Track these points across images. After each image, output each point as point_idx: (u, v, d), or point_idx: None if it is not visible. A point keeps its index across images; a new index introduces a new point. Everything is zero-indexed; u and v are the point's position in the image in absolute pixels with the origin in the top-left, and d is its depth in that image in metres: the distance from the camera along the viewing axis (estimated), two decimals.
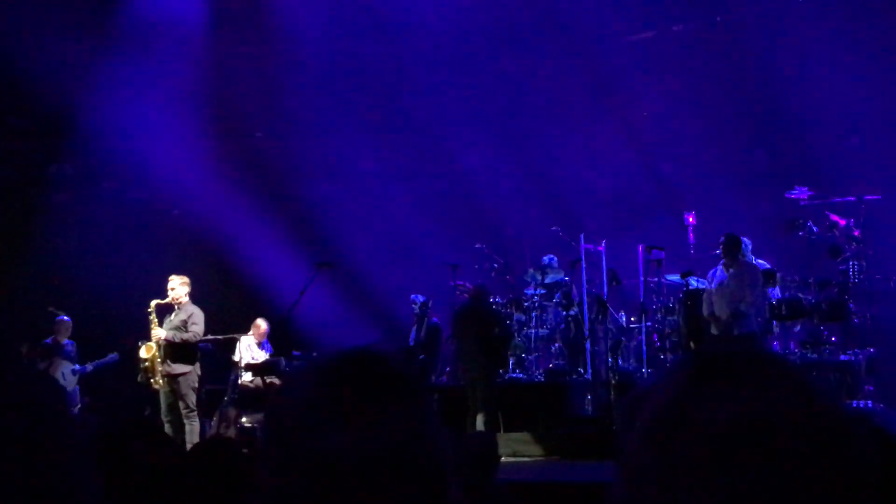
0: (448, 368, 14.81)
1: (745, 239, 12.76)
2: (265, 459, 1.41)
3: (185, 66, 16.91)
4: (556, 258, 14.88)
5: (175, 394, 12.03)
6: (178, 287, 12.22)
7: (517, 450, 12.16)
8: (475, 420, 12.14)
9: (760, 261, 13.15)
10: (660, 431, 1.17)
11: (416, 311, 15.04)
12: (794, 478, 1.12)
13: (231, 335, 14.31)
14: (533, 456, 12.10)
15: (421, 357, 14.75)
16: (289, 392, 1.45)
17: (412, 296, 15.15)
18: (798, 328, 13.17)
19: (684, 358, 1.27)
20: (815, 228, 13.27)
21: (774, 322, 12.86)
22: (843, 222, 13.20)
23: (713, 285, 12.16)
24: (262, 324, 14.83)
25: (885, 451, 3.04)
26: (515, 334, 14.20)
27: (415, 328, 15.17)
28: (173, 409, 12.07)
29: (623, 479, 1.21)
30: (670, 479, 1.15)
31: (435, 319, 15.20)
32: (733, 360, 1.21)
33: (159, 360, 12.08)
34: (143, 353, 12.17)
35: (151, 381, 12.16)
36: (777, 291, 12.94)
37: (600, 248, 14.30)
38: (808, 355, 12.62)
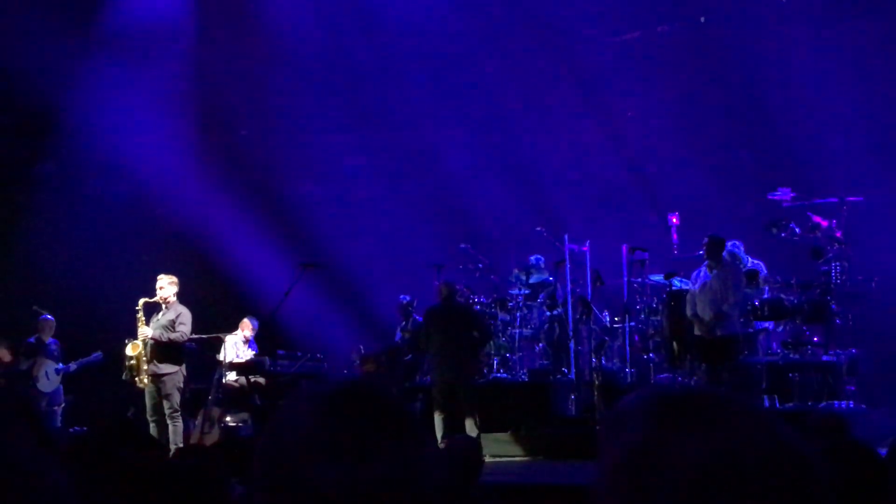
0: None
1: (736, 241, 12.82)
2: (258, 487, 1.42)
3: (170, 64, 16.90)
4: (542, 258, 14.92)
5: (159, 393, 12.00)
6: (167, 286, 12.18)
7: (499, 450, 12.18)
8: (443, 423, 12.05)
9: (757, 261, 13.21)
10: (630, 473, 1.19)
11: (402, 310, 15.08)
12: None
13: (215, 334, 14.29)
14: (516, 456, 12.13)
15: (408, 357, 14.78)
16: (285, 421, 1.45)
17: (400, 297, 15.18)
18: (780, 329, 13.24)
19: (648, 397, 1.28)
20: (797, 230, 13.32)
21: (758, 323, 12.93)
22: (825, 224, 13.24)
23: (696, 286, 12.21)
24: (250, 323, 14.84)
25: (859, 461, 3.08)
26: (499, 334, 14.22)
27: (400, 328, 15.20)
28: (158, 409, 12.03)
29: None
30: None
31: (418, 319, 15.22)
32: (697, 401, 1.23)
33: (145, 358, 12.04)
34: (130, 351, 12.13)
35: (136, 379, 12.12)
36: (762, 291, 12.98)
37: (584, 249, 14.32)
38: (790, 356, 12.69)
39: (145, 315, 12.20)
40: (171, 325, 12.06)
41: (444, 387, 12.28)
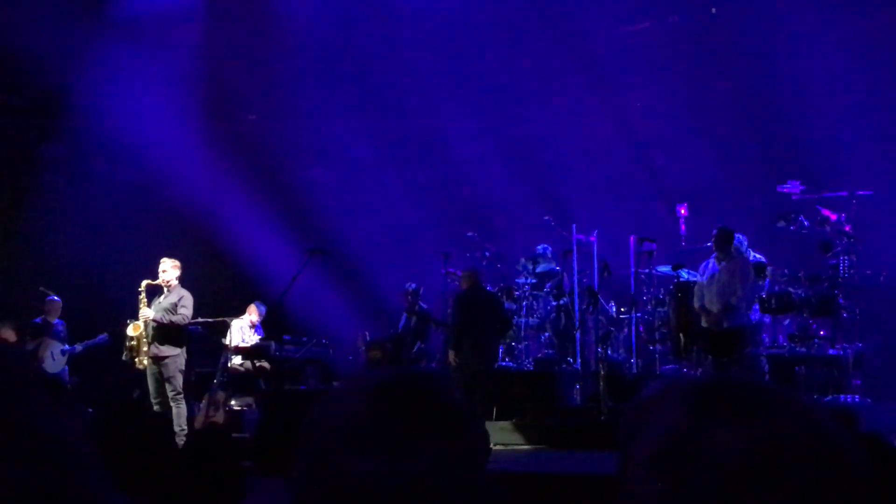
0: (438, 356, 14.80)
1: (739, 235, 12.79)
2: (296, 473, 1.40)
3: (179, 48, 16.88)
4: (550, 248, 14.90)
5: (162, 376, 12.01)
6: (170, 270, 12.20)
7: (504, 439, 12.18)
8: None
9: (757, 255, 13.18)
10: (664, 464, 1.16)
11: (408, 298, 15.08)
12: None
13: (221, 318, 14.31)
14: (521, 445, 12.12)
15: (419, 345, 14.79)
16: (329, 408, 1.42)
17: (406, 284, 15.18)
18: (787, 322, 13.22)
19: (682, 386, 1.26)
20: (806, 223, 13.29)
21: (765, 316, 12.91)
22: (834, 217, 13.21)
23: (704, 278, 12.18)
24: (256, 307, 14.85)
25: (873, 452, 3.06)
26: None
27: (404, 315, 15.19)
28: (160, 392, 12.05)
29: None
30: None
31: (423, 306, 15.22)
32: (735, 391, 1.21)
33: (146, 340, 12.06)
34: (130, 331, 12.15)
35: (136, 360, 12.14)
36: (766, 284, 12.97)
37: (592, 239, 14.30)
38: (797, 349, 12.67)
39: (148, 297, 12.21)
40: (173, 308, 12.07)
41: (467, 372, 12.26)
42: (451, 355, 12.37)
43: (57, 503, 1.23)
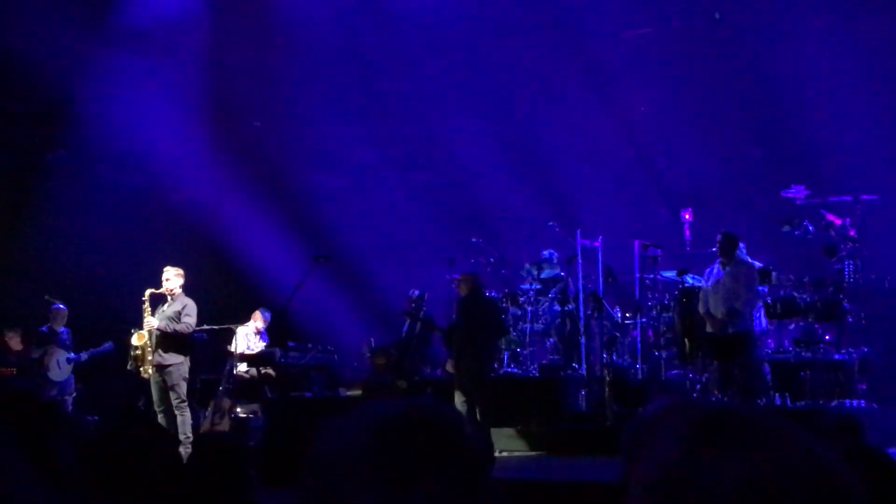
0: (443, 362, 14.80)
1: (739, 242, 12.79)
2: (301, 499, 1.39)
3: (183, 55, 16.90)
4: (556, 253, 14.88)
5: (166, 384, 12.03)
6: (173, 278, 12.22)
7: (509, 446, 12.18)
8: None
9: (758, 263, 13.16)
10: (662, 491, 1.17)
11: (412, 305, 15.06)
12: None
13: (226, 325, 14.31)
14: (526, 452, 12.12)
15: (426, 350, 14.78)
16: (337, 436, 1.40)
17: (410, 291, 15.17)
18: (792, 326, 13.20)
19: (683, 413, 1.25)
20: (811, 228, 13.28)
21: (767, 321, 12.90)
22: (839, 222, 13.21)
23: (709, 283, 12.17)
24: (261, 314, 14.86)
25: (873, 467, 3.05)
26: (510, 329, 14.17)
27: (408, 322, 15.16)
28: (164, 400, 12.06)
29: None
30: None
31: (427, 311, 15.21)
32: (734, 421, 1.21)
33: (150, 348, 12.08)
34: (135, 340, 12.18)
35: (141, 369, 12.16)
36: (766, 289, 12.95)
37: (597, 244, 14.30)
38: (802, 354, 12.65)
39: (152, 306, 12.24)
40: (177, 317, 12.09)
41: (469, 379, 12.15)
42: (450, 364, 12.30)
43: None
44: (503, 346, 14.00)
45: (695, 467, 1.16)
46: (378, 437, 1.37)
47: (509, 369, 14.03)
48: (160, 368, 12.02)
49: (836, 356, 12.47)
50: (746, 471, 1.14)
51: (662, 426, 1.23)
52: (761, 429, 1.20)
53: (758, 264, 13.00)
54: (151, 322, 12.08)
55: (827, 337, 12.83)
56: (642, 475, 1.20)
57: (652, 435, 1.23)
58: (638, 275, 13.98)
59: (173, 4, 16.47)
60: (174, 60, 16.74)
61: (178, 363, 12.08)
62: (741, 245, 12.75)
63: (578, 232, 14.37)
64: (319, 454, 1.40)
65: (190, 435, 11.64)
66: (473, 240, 15.31)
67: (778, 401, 12.04)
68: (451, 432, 1.41)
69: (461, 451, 1.40)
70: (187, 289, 12.40)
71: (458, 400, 11.69)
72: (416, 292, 15.10)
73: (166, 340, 12.05)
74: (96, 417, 14.17)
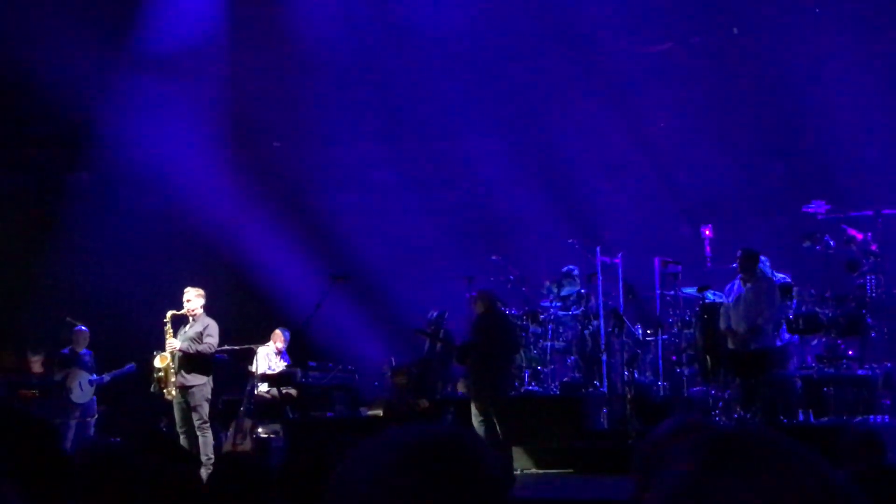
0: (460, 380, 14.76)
1: (763, 257, 12.73)
2: None
3: (203, 76, 17.01)
4: (577, 269, 14.79)
5: (188, 405, 12.05)
6: (194, 299, 12.25)
7: (530, 464, 12.15)
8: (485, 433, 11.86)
9: (779, 275, 13.11)
10: None
11: (430, 327, 15.00)
12: None
13: (247, 346, 14.34)
14: (548, 470, 12.08)
15: (447, 369, 14.75)
16: (361, 461, 1.40)
17: (428, 313, 15.13)
18: (815, 342, 13.13)
19: (699, 435, 1.25)
20: (832, 243, 13.22)
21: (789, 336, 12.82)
22: (860, 236, 13.15)
23: (730, 299, 12.13)
24: (282, 334, 14.88)
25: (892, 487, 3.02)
26: (531, 347, 14.11)
27: (428, 341, 15.11)
28: (187, 421, 12.07)
29: None
30: None
31: (447, 330, 15.17)
32: (747, 443, 1.21)
33: (173, 370, 12.10)
34: (158, 362, 12.20)
35: (164, 391, 12.18)
36: (794, 304, 12.88)
37: (616, 261, 14.27)
38: (825, 370, 12.57)
39: (173, 327, 12.27)
40: (199, 337, 12.11)
41: (488, 399, 12.08)
42: (461, 383, 12.16)
43: None
44: (524, 364, 13.96)
45: (706, 490, 1.16)
46: (399, 464, 1.37)
47: (530, 387, 13.98)
48: (183, 389, 12.04)
49: (860, 371, 12.40)
50: (758, 494, 1.14)
51: (674, 447, 1.23)
52: (773, 451, 1.20)
53: (782, 276, 12.95)
54: (174, 343, 12.11)
55: (850, 352, 12.74)
56: (654, 496, 1.20)
57: (664, 456, 1.23)
58: (658, 291, 13.93)
59: (193, 28, 16.59)
60: (194, 83, 16.86)
61: (201, 384, 12.10)
62: (765, 260, 12.70)
63: (598, 249, 14.34)
64: (342, 481, 1.40)
65: (212, 456, 11.64)
66: (493, 258, 15.28)
67: (801, 417, 11.97)
68: (471, 459, 1.40)
69: (481, 477, 1.39)
70: (208, 309, 12.43)
71: (476, 420, 11.63)
72: (435, 313, 15.06)
73: (189, 361, 12.08)
74: (119, 439, 14.21)
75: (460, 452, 1.40)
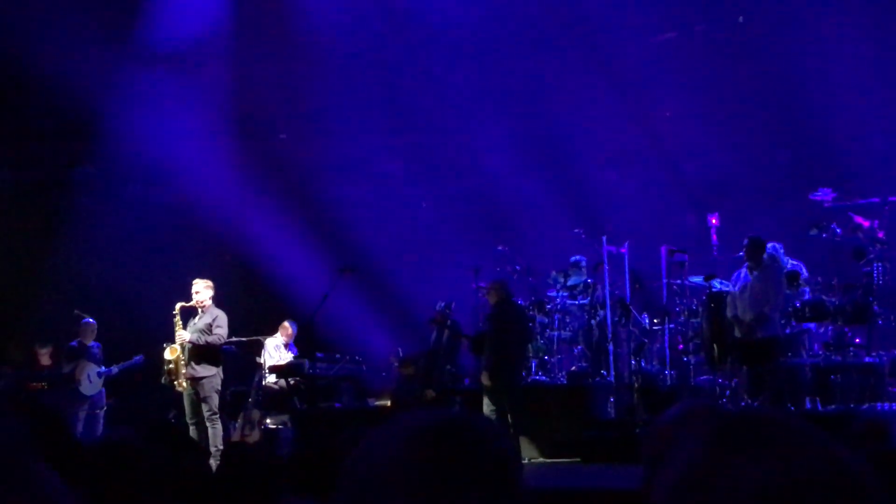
0: (471, 372, 14.78)
1: (776, 244, 12.72)
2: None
3: (209, 69, 17.01)
4: (584, 258, 14.79)
5: (198, 396, 12.09)
6: (203, 290, 12.28)
7: (537, 454, 12.17)
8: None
9: (797, 262, 13.09)
10: (685, 494, 1.18)
11: (437, 315, 15.01)
12: None
13: (254, 337, 14.38)
14: (554, 459, 12.09)
15: (454, 359, 14.76)
16: (370, 452, 1.41)
17: (436, 304, 15.13)
18: (822, 330, 13.11)
19: (707, 418, 1.26)
20: (838, 230, 13.20)
21: (794, 323, 12.80)
22: (867, 224, 13.12)
23: (737, 288, 12.12)
24: (289, 326, 14.91)
25: None
26: (538, 336, 14.13)
27: (435, 331, 15.11)
28: (197, 412, 12.12)
29: None
30: None
31: (454, 320, 15.18)
32: (755, 424, 1.22)
33: (183, 362, 12.15)
34: (168, 355, 12.24)
35: (175, 383, 12.23)
36: (801, 293, 12.86)
37: (623, 251, 14.27)
38: (832, 357, 12.55)
39: (182, 319, 12.30)
40: (208, 329, 12.15)
41: (502, 389, 12.18)
42: (485, 376, 12.18)
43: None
44: (531, 354, 13.98)
45: (715, 471, 1.17)
46: (411, 450, 1.38)
47: (537, 377, 13.99)
48: (193, 381, 12.09)
49: (867, 359, 12.38)
50: (766, 474, 1.15)
51: (682, 431, 1.24)
52: (781, 432, 1.21)
53: (794, 264, 12.93)
54: (183, 335, 12.15)
55: (857, 340, 12.72)
56: (663, 480, 1.21)
57: (672, 440, 1.24)
58: (665, 280, 13.94)
59: (199, 21, 16.58)
60: (200, 75, 16.86)
61: (211, 375, 12.15)
62: (779, 246, 12.69)
63: (604, 238, 14.34)
64: (354, 468, 1.40)
65: (221, 447, 11.68)
66: (499, 248, 15.29)
67: (808, 405, 11.97)
68: (483, 442, 1.41)
69: (494, 460, 1.40)
70: (216, 301, 12.47)
71: (487, 409, 11.69)
72: (442, 304, 15.07)
73: (199, 353, 12.13)
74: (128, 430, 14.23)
75: (472, 434, 1.41)
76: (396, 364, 14.76)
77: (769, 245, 12.50)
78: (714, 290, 12.95)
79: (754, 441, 1.20)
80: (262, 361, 14.16)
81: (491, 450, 1.41)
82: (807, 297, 12.77)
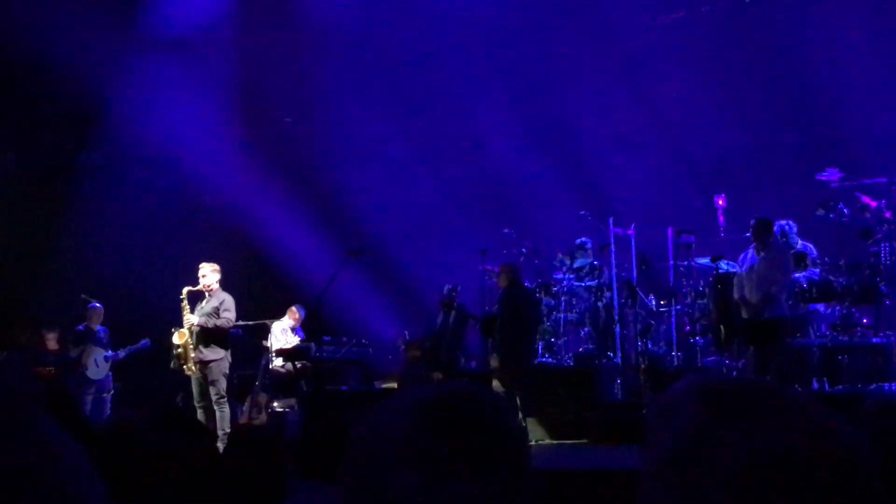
0: (478, 353, 14.79)
1: (790, 222, 12.67)
2: (343, 481, 1.39)
3: (214, 54, 16.97)
4: (590, 241, 14.79)
5: (206, 380, 12.11)
6: (210, 274, 12.30)
7: (544, 435, 12.17)
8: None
9: (807, 243, 13.05)
10: (679, 463, 1.18)
11: (444, 297, 15.03)
12: None
13: (261, 321, 14.39)
14: (562, 440, 12.10)
15: (460, 341, 14.78)
16: (378, 424, 1.41)
17: (444, 287, 15.15)
18: (829, 311, 13.08)
19: (697, 387, 1.26)
20: (845, 210, 13.14)
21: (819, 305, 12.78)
22: (874, 204, 13.06)
23: (744, 268, 12.10)
24: (297, 310, 14.92)
25: None
26: (544, 318, 14.14)
27: (441, 314, 15.13)
28: (205, 396, 12.15)
29: None
30: None
31: (460, 302, 15.20)
32: (748, 393, 1.22)
33: (191, 345, 12.16)
34: (176, 339, 12.26)
35: (184, 367, 12.25)
36: (811, 274, 12.81)
37: (629, 232, 14.25)
38: (840, 338, 12.53)
39: (190, 303, 12.31)
40: (216, 312, 12.16)
41: (511, 372, 12.22)
42: (494, 359, 12.23)
43: None
44: (538, 336, 13.98)
45: (707, 438, 1.17)
46: (418, 421, 1.38)
47: (544, 359, 14.01)
48: (201, 364, 12.11)
49: (874, 339, 12.35)
50: (758, 443, 1.15)
51: (679, 401, 1.24)
52: (772, 399, 1.21)
53: (809, 246, 12.90)
54: (191, 319, 12.17)
55: (864, 320, 12.69)
56: (661, 449, 1.21)
57: (671, 410, 1.24)
58: (672, 262, 13.91)
59: (204, 5, 16.53)
60: (205, 59, 16.82)
61: (219, 359, 12.17)
62: (793, 225, 12.67)
63: (611, 220, 14.32)
64: (360, 441, 1.40)
65: (228, 430, 11.71)
66: (505, 230, 15.27)
67: (816, 386, 11.96)
68: (489, 413, 1.41)
69: (501, 430, 1.40)
70: (223, 285, 12.48)
71: (497, 391, 11.71)
72: (448, 287, 15.09)
73: (206, 336, 12.14)
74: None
75: (478, 406, 1.41)
76: (403, 347, 14.77)
77: (782, 222, 12.48)
78: (721, 271, 12.94)
79: (746, 410, 1.20)
80: (268, 345, 14.17)
81: (497, 420, 1.41)
82: (815, 277, 12.74)
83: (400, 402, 1.43)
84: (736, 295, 12.11)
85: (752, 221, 12.06)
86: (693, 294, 13.68)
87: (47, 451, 1.20)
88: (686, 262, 13.81)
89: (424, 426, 1.37)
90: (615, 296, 13.95)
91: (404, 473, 1.33)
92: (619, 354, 13.64)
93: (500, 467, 1.36)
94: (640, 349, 13.04)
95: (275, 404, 13.97)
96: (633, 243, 14.20)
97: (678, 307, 13.74)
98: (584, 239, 14.86)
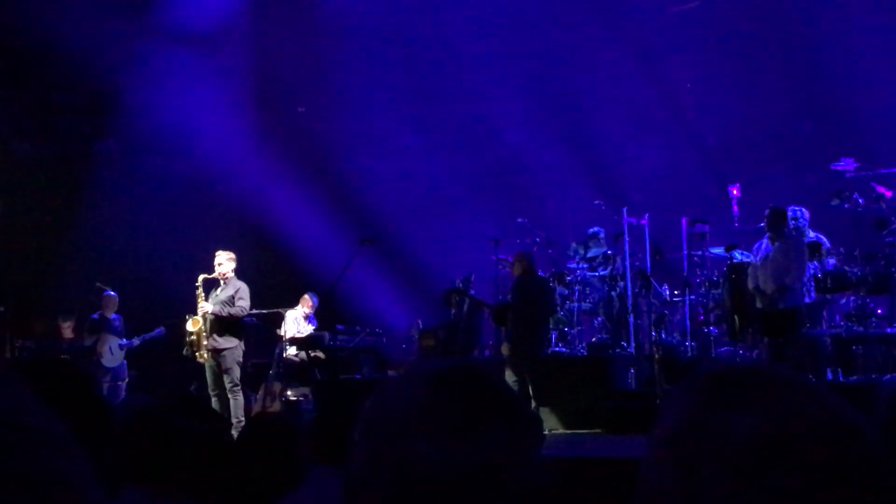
0: (491, 342, 14.78)
1: (802, 209, 12.63)
2: (358, 453, 1.42)
3: (228, 42, 17.00)
4: (602, 230, 14.77)
5: (220, 368, 12.14)
6: (225, 262, 12.31)
7: (558, 425, 12.18)
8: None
9: (818, 234, 13.00)
10: (677, 447, 1.19)
11: (458, 286, 15.01)
12: (815, 488, 1.13)
13: (275, 309, 14.42)
14: (575, 430, 12.11)
15: (473, 330, 14.77)
16: (389, 397, 1.44)
17: (455, 281, 15.13)
18: (844, 301, 13.04)
19: (700, 373, 1.27)
20: (861, 200, 13.09)
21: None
22: (889, 194, 13.02)
23: (758, 259, 12.05)
24: (310, 298, 14.94)
25: None
26: (558, 308, 14.13)
27: (454, 307, 15.10)
28: (218, 384, 12.18)
29: (645, 497, 1.23)
30: (691, 496, 1.16)
31: (473, 292, 15.19)
32: (746, 376, 1.23)
33: (205, 333, 12.19)
34: (190, 326, 12.28)
35: (197, 354, 12.27)
36: (825, 264, 12.76)
37: (643, 222, 14.22)
38: (854, 328, 12.48)
39: (204, 291, 12.34)
40: (231, 300, 12.19)
41: (523, 360, 12.26)
42: (506, 347, 12.26)
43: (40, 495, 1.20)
44: (551, 326, 13.97)
45: (707, 422, 1.18)
46: (430, 393, 1.41)
47: (557, 348, 13.99)
48: (215, 352, 12.14)
49: (889, 330, 12.30)
50: (755, 422, 1.16)
51: (680, 391, 1.25)
52: (770, 382, 1.21)
53: (814, 235, 12.84)
54: (206, 307, 12.19)
55: (879, 311, 12.65)
56: (660, 434, 1.22)
57: (671, 402, 1.25)
58: (686, 251, 13.88)
59: None
60: (220, 49, 16.86)
61: (233, 347, 12.19)
62: (805, 212, 12.62)
63: (625, 210, 14.30)
64: (373, 414, 1.43)
65: (242, 419, 11.74)
66: (519, 220, 15.24)
67: (830, 376, 11.92)
68: (504, 385, 1.46)
69: (512, 401, 1.44)
70: (238, 273, 12.50)
71: (509, 380, 11.72)
72: (459, 280, 15.06)
73: (221, 324, 12.17)
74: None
75: (489, 378, 1.45)
76: (416, 336, 14.78)
77: (793, 209, 12.43)
78: (735, 261, 12.89)
79: (744, 392, 1.20)
80: (282, 333, 14.20)
81: (500, 389, 1.45)
82: (829, 267, 12.69)
83: (411, 376, 1.47)
84: (750, 285, 12.07)
85: (767, 211, 12.01)
86: (707, 284, 13.63)
87: (12, 421, 1.18)
88: (700, 252, 13.77)
89: (440, 395, 1.40)
90: (629, 285, 13.93)
91: (419, 440, 1.36)
92: (633, 344, 13.61)
93: (513, 436, 1.39)
94: (653, 339, 13.01)
95: (288, 393, 14.01)
96: (647, 233, 14.18)
97: (692, 297, 13.70)
98: (596, 228, 14.83)
